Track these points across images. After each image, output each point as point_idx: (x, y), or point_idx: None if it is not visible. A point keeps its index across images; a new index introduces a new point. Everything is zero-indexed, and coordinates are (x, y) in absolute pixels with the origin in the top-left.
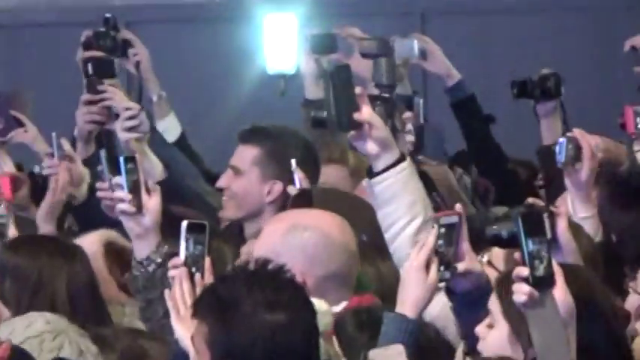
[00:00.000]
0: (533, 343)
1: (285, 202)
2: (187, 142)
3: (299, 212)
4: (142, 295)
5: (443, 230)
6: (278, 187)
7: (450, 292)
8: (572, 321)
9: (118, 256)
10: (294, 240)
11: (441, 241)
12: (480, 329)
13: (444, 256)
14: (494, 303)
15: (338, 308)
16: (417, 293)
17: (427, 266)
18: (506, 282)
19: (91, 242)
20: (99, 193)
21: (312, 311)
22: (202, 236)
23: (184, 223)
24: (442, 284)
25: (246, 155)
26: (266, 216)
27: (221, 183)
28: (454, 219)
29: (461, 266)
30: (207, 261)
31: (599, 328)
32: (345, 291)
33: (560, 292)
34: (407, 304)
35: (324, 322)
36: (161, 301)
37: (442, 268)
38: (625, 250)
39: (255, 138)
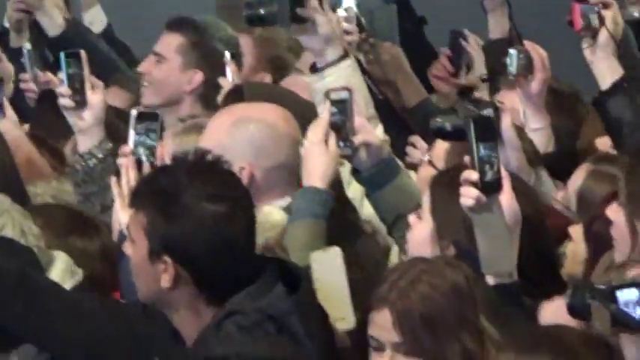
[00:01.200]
0: (478, 248)
1: (205, 93)
2: (113, 35)
3: (243, 106)
4: (81, 189)
5: (335, 109)
6: (199, 76)
7: (357, 175)
8: (517, 228)
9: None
10: (241, 133)
11: (335, 117)
12: (411, 218)
13: (340, 130)
14: (426, 198)
15: (285, 202)
16: (322, 165)
17: (326, 142)
18: (441, 180)
19: (11, 126)
20: (22, 85)
21: (250, 202)
22: (154, 124)
23: (134, 112)
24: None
25: (170, 42)
26: (184, 106)
27: (142, 68)
28: (344, 94)
29: (358, 139)
30: (159, 149)
31: (528, 240)
32: (293, 182)
33: (507, 198)
34: (314, 176)
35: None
36: (99, 196)
37: (342, 144)
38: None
39: (181, 27)
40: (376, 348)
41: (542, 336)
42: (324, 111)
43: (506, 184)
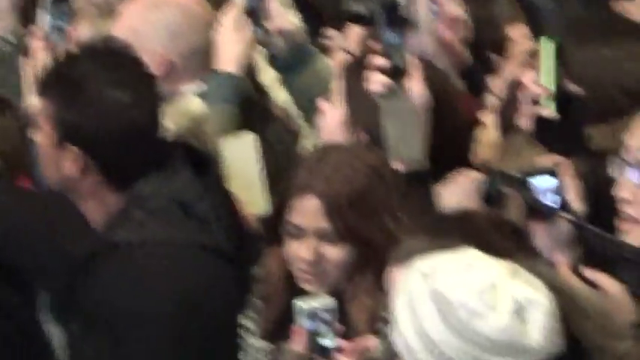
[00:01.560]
0: (387, 134)
1: None
2: None
3: None
4: None
5: None
6: None
7: (272, 61)
8: (426, 113)
9: None
10: (155, 17)
11: (250, 2)
12: (321, 103)
13: (254, 15)
14: (337, 84)
15: (199, 87)
16: (235, 50)
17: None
18: (353, 65)
19: None
20: None
21: (157, 88)
22: (65, 6)
23: None
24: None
25: None
26: None
27: None
28: None
29: (272, 24)
30: (71, 31)
31: (441, 124)
32: (208, 67)
33: (416, 83)
34: (226, 61)
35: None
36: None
37: (256, 29)
38: None
39: None
40: (295, 235)
41: (452, 220)
42: None
43: (416, 70)
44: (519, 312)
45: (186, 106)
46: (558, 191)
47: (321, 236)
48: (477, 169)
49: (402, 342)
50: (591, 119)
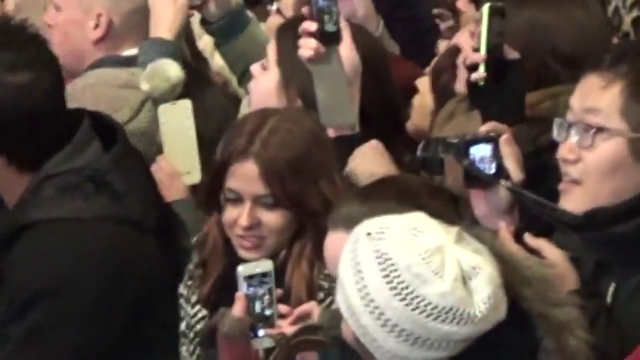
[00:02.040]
0: (317, 99)
1: None
2: None
3: None
4: None
5: None
6: None
7: (207, 27)
8: (357, 79)
9: None
10: None
11: None
12: (254, 68)
13: None
14: (271, 48)
15: (133, 52)
16: (170, 16)
17: None
18: (286, 29)
19: None
20: None
21: (57, 68)
22: None
23: None
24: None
25: None
26: None
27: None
28: None
29: None
30: None
31: (371, 88)
32: (146, 29)
33: (347, 49)
34: (161, 27)
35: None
36: None
37: None
38: None
39: None
40: (233, 200)
41: (386, 183)
42: None
43: (346, 34)
44: (464, 279)
45: (165, 71)
46: (497, 158)
47: (259, 202)
48: (411, 135)
49: (346, 306)
50: (528, 85)
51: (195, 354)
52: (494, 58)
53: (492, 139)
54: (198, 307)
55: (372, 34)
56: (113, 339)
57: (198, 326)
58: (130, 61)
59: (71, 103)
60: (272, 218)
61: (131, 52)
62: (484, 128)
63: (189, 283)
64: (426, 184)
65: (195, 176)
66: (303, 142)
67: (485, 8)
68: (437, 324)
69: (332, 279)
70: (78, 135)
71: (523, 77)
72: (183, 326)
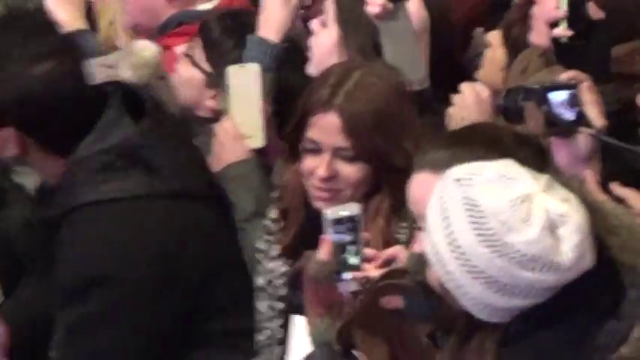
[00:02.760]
0: (385, 56)
1: None
2: None
3: None
4: None
5: None
6: None
7: None
8: (425, 34)
9: None
10: None
11: None
12: (314, 24)
13: None
14: (330, 3)
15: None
16: (280, 17)
17: None
18: None
19: None
20: None
21: (77, 55)
22: None
23: None
24: None
25: None
26: None
27: None
28: None
29: None
30: None
31: (437, 46)
32: None
33: (415, 4)
34: (270, 28)
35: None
36: None
37: None
38: None
39: None
40: (312, 150)
41: (475, 130)
42: None
43: None
44: (552, 227)
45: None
46: (577, 105)
47: (339, 154)
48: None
49: (433, 251)
50: (613, 43)
51: (276, 309)
52: (578, 15)
53: (573, 87)
54: (278, 261)
55: None
56: (174, 318)
57: (279, 281)
58: (204, 16)
59: None
60: (351, 171)
61: (205, 6)
62: (565, 76)
63: (268, 237)
64: (515, 133)
65: (258, 140)
66: (387, 98)
67: None
68: (524, 271)
69: (410, 229)
70: (107, 113)
71: (609, 36)
72: (261, 281)
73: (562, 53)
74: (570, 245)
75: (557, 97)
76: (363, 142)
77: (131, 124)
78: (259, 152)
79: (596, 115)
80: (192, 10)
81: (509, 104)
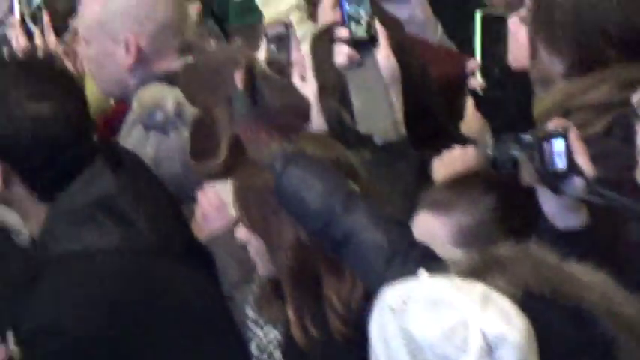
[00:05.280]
0: (354, 105)
1: None
2: None
3: None
4: None
5: None
6: None
7: None
8: (396, 83)
9: None
10: (115, 4)
11: None
12: (294, 79)
13: None
14: (308, 58)
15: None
16: None
17: None
18: (322, 38)
19: None
20: None
21: (80, 101)
22: None
23: None
24: None
25: None
26: None
27: None
28: None
29: None
30: (46, 17)
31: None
32: (177, 42)
33: (384, 54)
34: None
35: None
36: None
37: None
38: None
39: None
40: None
41: (472, 175)
42: None
43: (383, 39)
44: (489, 351)
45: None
46: (568, 154)
47: None
48: (462, 137)
49: None
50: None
51: None
52: (495, 66)
53: (564, 135)
54: (268, 327)
55: (409, 36)
56: None
57: (271, 347)
58: (170, 77)
59: None
60: None
61: (169, 67)
62: (552, 125)
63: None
64: (510, 181)
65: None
66: None
67: (477, 17)
68: None
69: None
70: (93, 165)
71: (527, 86)
72: (254, 348)
73: (480, 104)
74: None
75: (551, 146)
76: None
77: (111, 177)
78: None
79: (586, 164)
80: (157, 73)
81: (499, 154)
